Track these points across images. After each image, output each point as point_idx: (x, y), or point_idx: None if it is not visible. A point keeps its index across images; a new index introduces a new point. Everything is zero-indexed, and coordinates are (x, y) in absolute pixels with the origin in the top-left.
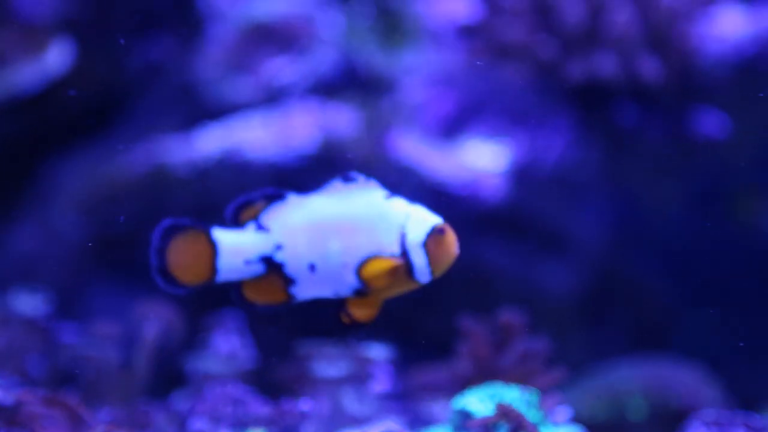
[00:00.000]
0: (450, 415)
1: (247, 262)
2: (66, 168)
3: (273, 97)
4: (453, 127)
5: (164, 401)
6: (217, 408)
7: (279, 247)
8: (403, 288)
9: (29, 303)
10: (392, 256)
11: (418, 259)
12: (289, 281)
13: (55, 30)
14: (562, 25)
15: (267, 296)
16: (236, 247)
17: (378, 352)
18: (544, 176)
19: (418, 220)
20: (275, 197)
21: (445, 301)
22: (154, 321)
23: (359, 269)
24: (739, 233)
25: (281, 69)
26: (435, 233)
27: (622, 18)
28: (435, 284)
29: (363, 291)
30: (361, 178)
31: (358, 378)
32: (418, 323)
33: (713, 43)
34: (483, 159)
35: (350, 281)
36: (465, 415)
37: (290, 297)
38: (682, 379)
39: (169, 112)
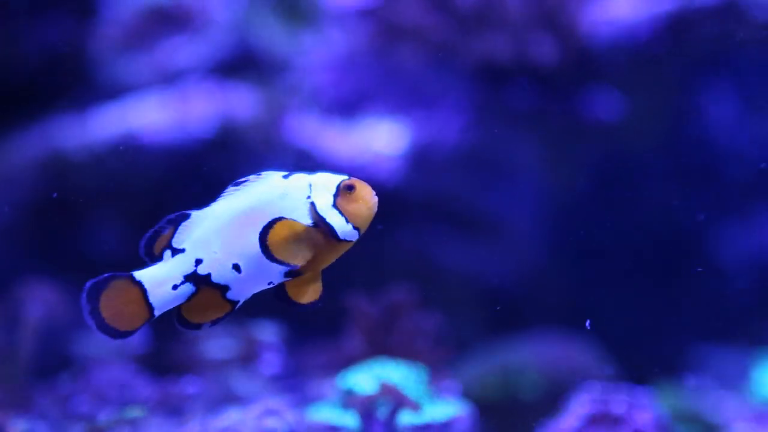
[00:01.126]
0: (336, 393)
1: (175, 287)
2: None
3: (170, 79)
4: (351, 109)
5: (49, 384)
6: (102, 390)
7: (199, 262)
8: (334, 253)
9: None
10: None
11: (336, 220)
12: (223, 289)
13: None
14: (456, 7)
15: (210, 312)
16: (159, 278)
17: (268, 332)
18: (442, 157)
19: (322, 185)
20: (179, 219)
21: (336, 280)
22: (37, 302)
23: (265, 245)
24: (635, 213)
25: (178, 50)
26: (343, 191)
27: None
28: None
29: (294, 272)
30: (252, 177)
31: (247, 358)
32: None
33: (606, 27)
34: (381, 141)
35: (274, 266)
36: (350, 394)
37: (232, 303)
38: (574, 356)
39: (65, 94)
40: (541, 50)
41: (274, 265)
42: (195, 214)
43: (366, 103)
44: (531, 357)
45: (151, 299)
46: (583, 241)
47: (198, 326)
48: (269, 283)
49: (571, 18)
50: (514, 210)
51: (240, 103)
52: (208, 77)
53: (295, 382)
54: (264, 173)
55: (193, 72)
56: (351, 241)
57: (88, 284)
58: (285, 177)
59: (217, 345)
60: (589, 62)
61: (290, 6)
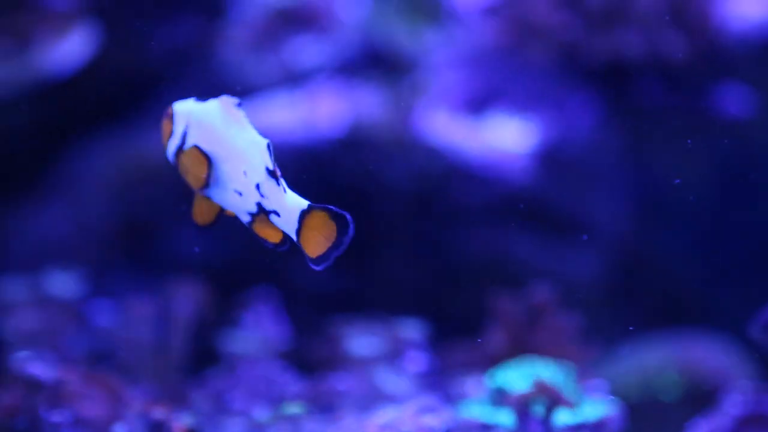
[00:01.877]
0: (486, 391)
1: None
2: (94, 151)
3: (298, 79)
4: (478, 108)
5: (199, 380)
6: (253, 386)
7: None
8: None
9: (62, 284)
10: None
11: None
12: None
13: (79, 14)
14: (585, 4)
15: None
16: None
17: (412, 329)
18: (568, 156)
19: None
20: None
21: (471, 281)
22: (187, 299)
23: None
24: (764, 210)
25: (305, 50)
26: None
27: None
28: (460, 263)
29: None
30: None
31: (393, 356)
32: (446, 302)
33: (736, 22)
34: (509, 139)
35: None
36: (501, 392)
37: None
38: (714, 356)
39: (195, 95)
40: (671, 47)
41: None
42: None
43: (493, 101)
44: (671, 357)
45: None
46: (717, 239)
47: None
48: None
49: (702, 14)
50: (645, 208)
51: (368, 102)
52: (336, 77)
53: (440, 380)
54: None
55: (320, 72)
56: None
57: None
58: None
59: (362, 342)
60: (720, 58)
61: (414, 4)
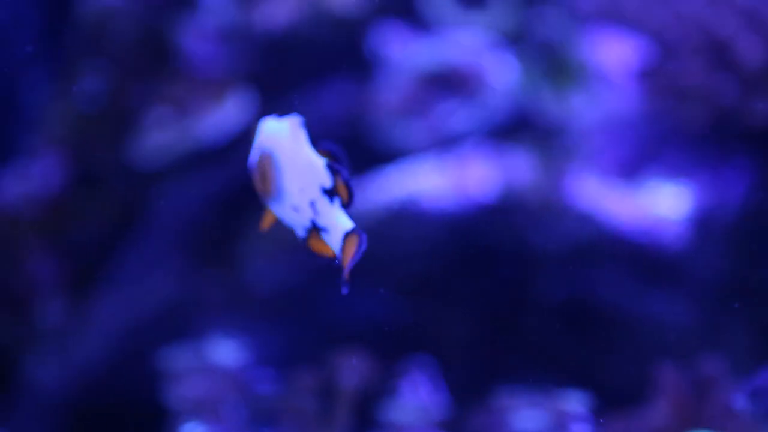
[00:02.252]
0: None
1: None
2: (251, 219)
3: (446, 144)
4: (630, 172)
5: None
6: None
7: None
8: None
9: (225, 352)
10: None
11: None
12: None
13: (233, 82)
14: (740, 65)
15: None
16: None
17: (575, 401)
18: (726, 222)
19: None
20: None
21: (629, 350)
22: (352, 370)
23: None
24: None
25: (455, 115)
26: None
27: None
28: (616, 331)
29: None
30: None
31: (556, 428)
32: (604, 371)
33: None
34: (663, 204)
35: None
36: None
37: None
38: None
39: (343, 161)
40: None
41: None
42: None
43: (645, 165)
44: None
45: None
46: None
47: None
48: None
49: None
50: None
51: (518, 167)
52: (485, 141)
53: None
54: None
55: (469, 136)
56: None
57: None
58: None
59: (524, 415)
60: None
61: (561, 68)
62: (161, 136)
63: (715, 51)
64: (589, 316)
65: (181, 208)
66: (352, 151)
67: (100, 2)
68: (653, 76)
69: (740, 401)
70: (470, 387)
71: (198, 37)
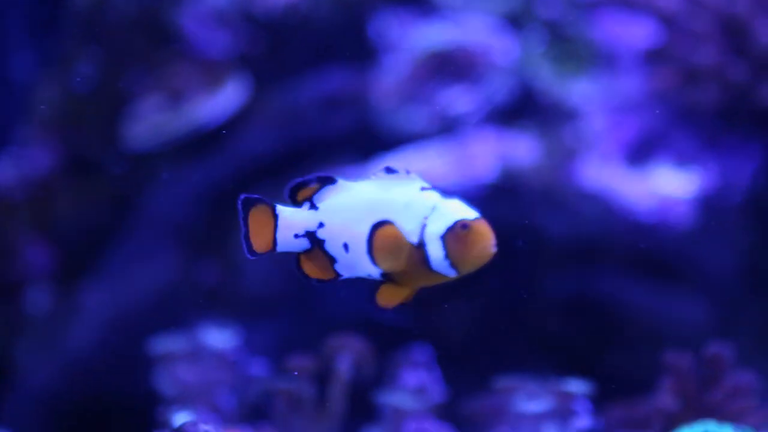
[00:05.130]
0: None
1: (296, 236)
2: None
3: (449, 127)
4: (636, 154)
5: None
6: None
7: (321, 225)
8: (428, 278)
9: (218, 337)
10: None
11: (435, 251)
12: (331, 259)
13: (232, 65)
14: (753, 46)
15: (318, 271)
16: (289, 221)
17: (577, 386)
18: (734, 203)
19: (444, 213)
20: (327, 181)
21: (636, 337)
22: (347, 355)
23: (369, 239)
24: None
25: (457, 98)
26: (458, 227)
27: None
28: (620, 317)
29: (388, 277)
30: (403, 170)
31: (559, 413)
32: (609, 359)
33: None
34: (670, 186)
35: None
36: None
37: (337, 274)
38: None
39: (346, 144)
40: None
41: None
42: (342, 182)
43: (653, 147)
44: None
45: (277, 234)
46: None
47: (307, 278)
48: (368, 275)
49: None
50: None
51: (521, 148)
52: (489, 123)
53: None
54: (412, 174)
55: (473, 118)
56: (445, 275)
57: (243, 196)
58: (422, 189)
59: (526, 397)
60: None
61: (566, 50)
62: (158, 120)
63: (727, 33)
64: (595, 305)
65: (176, 196)
66: (356, 136)
67: None
68: (661, 58)
69: (750, 381)
70: (471, 375)
71: (196, 17)
